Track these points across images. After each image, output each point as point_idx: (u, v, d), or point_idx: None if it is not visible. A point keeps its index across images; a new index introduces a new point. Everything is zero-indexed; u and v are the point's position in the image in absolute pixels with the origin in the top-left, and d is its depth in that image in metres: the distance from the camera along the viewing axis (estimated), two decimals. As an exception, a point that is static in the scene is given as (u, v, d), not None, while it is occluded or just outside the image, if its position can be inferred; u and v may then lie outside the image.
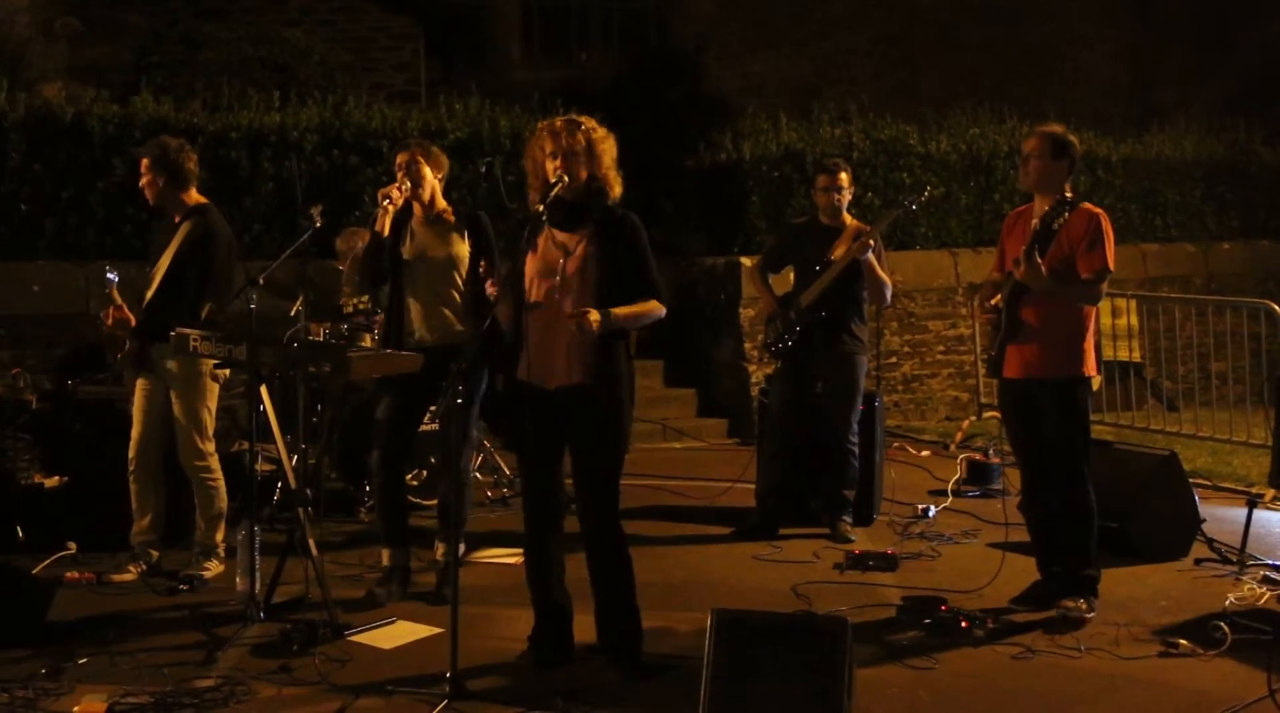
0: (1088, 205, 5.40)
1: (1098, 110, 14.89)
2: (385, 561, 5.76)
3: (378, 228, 5.58)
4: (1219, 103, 13.73)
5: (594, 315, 4.48)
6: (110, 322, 5.82)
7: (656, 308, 4.68)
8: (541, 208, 4.59)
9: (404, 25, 13.45)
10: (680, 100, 12.53)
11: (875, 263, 6.70)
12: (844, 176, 6.86)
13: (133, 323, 5.78)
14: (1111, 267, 5.30)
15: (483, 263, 5.33)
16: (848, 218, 6.92)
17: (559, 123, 4.68)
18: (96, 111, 8.92)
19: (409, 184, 5.60)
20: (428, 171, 5.64)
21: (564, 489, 4.87)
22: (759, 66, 15.11)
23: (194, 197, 5.94)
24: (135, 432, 5.93)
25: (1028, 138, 5.47)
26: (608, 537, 4.74)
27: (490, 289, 5.00)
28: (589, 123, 4.69)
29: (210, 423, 5.93)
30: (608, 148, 4.68)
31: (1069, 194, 5.29)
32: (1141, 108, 15.30)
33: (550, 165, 4.62)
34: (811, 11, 15.60)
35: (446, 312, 5.67)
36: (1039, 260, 5.15)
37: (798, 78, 15.17)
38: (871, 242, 6.64)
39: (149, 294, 5.83)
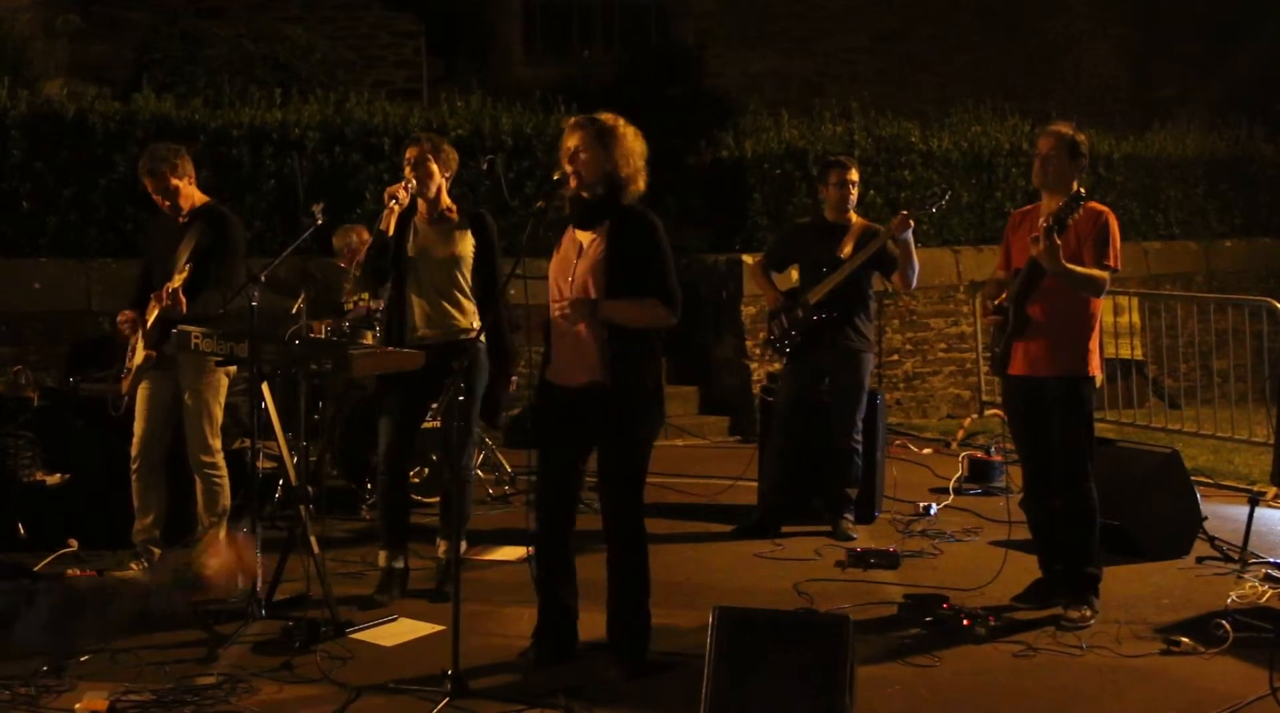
0: (1094, 204, 5.40)
1: (1099, 107, 14.88)
2: (382, 562, 5.73)
3: (383, 227, 5.58)
4: (1221, 100, 13.72)
5: (579, 300, 4.51)
6: (165, 301, 5.66)
7: (658, 309, 4.62)
8: (542, 204, 4.60)
9: (405, 23, 13.44)
10: (681, 97, 12.52)
11: (912, 243, 6.69)
12: (855, 172, 6.89)
13: (184, 309, 5.65)
14: (1116, 264, 5.31)
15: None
16: (853, 216, 6.92)
17: (569, 121, 4.69)
18: (98, 109, 8.92)
19: (415, 182, 5.60)
20: (435, 169, 5.63)
21: (580, 490, 4.90)
22: (760, 64, 15.09)
23: (200, 195, 5.96)
24: (139, 429, 5.93)
25: (1041, 137, 5.48)
26: (629, 536, 4.74)
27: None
28: (608, 119, 4.64)
29: (220, 419, 5.93)
30: (627, 145, 4.61)
31: (1081, 191, 5.30)
32: (1143, 105, 15.28)
33: (565, 162, 4.64)
34: (812, 9, 15.58)
35: (449, 309, 5.66)
36: (1057, 241, 5.14)
37: (799, 75, 15.15)
38: (911, 222, 6.64)
39: (171, 284, 5.68)
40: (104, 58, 12.09)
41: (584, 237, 4.69)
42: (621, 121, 4.66)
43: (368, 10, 13.37)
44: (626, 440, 4.67)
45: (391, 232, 5.58)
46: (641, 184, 4.67)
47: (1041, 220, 5.27)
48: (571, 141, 4.62)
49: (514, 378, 6.01)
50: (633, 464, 4.70)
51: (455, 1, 14.05)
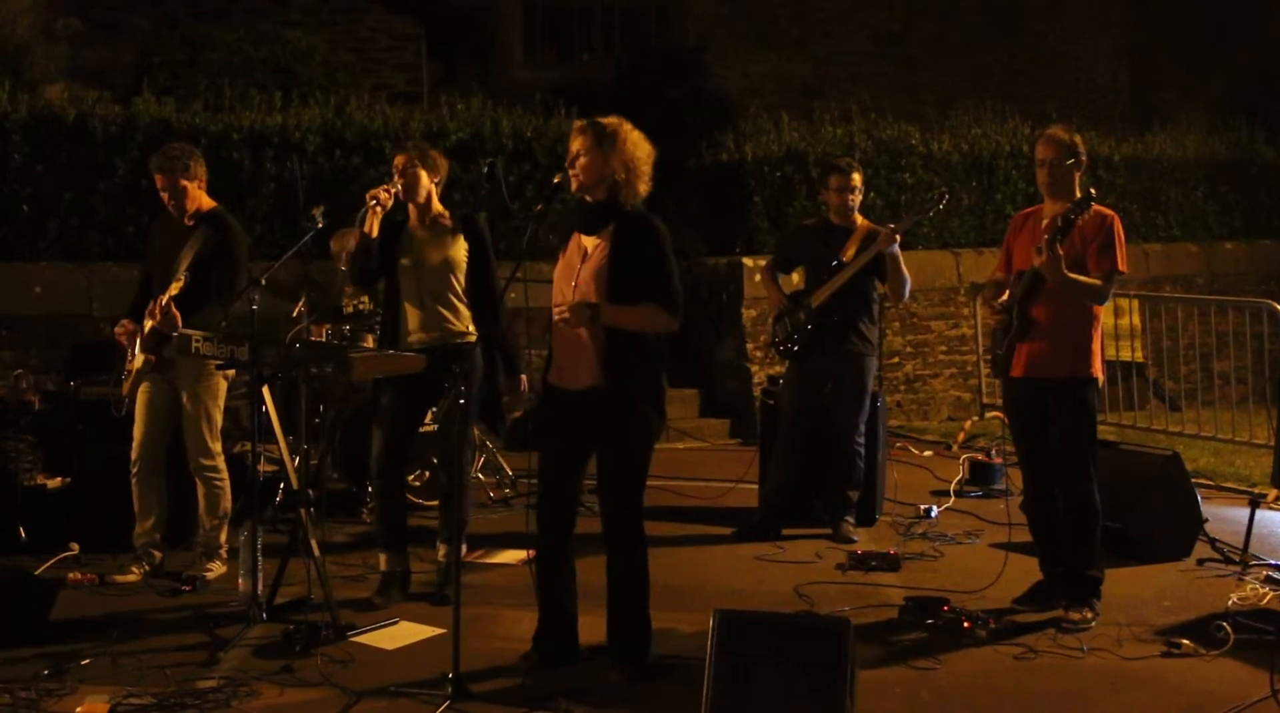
0: (1099, 207, 5.41)
1: (1099, 109, 14.89)
2: (382, 565, 5.74)
3: (365, 229, 5.60)
4: (1221, 102, 13.73)
5: (579, 305, 4.50)
6: (158, 317, 5.68)
7: (659, 314, 4.63)
8: (541, 207, 4.61)
9: (406, 26, 13.46)
10: (682, 100, 12.53)
11: (900, 257, 6.70)
12: (857, 177, 6.87)
13: (179, 325, 5.62)
14: (1123, 268, 5.31)
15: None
16: (858, 218, 6.92)
17: (576, 124, 4.69)
18: (99, 113, 8.92)
19: (401, 187, 5.61)
20: (423, 175, 5.65)
21: (580, 493, 4.90)
22: (760, 66, 15.10)
23: (207, 200, 5.96)
24: (138, 432, 5.93)
25: (1038, 143, 5.49)
26: (628, 539, 4.74)
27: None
28: (612, 123, 4.62)
29: (220, 422, 5.93)
30: (630, 149, 4.60)
31: (1093, 191, 5.30)
32: (1143, 107, 15.29)
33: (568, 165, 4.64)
34: (812, 11, 15.61)
35: (443, 313, 5.67)
36: (1059, 251, 5.15)
37: (799, 77, 15.18)
38: (899, 236, 6.66)
39: (165, 297, 5.70)
40: (104, 61, 12.10)
41: (588, 241, 4.70)
42: (626, 125, 4.64)
43: (368, 14, 13.39)
44: (625, 444, 4.67)
45: (375, 233, 5.60)
46: (644, 188, 4.67)
47: (1045, 222, 5.26)
48: (574, 145, 4.63)
49: (523, 376, 6.00)
50: (631, 468, 4.70)
51: (455, 4, 14.07)
